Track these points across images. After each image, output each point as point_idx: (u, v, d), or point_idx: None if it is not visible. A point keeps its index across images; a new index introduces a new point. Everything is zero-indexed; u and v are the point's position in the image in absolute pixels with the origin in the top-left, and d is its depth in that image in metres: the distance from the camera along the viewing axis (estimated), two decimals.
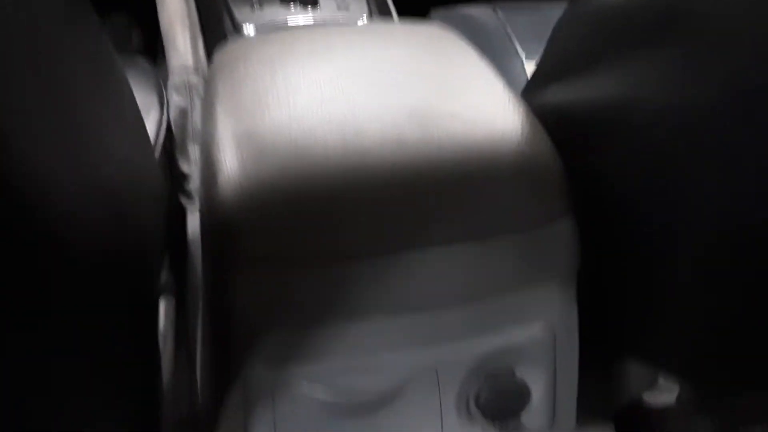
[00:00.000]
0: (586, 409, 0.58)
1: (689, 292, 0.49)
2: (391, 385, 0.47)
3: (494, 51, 0.81)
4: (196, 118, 0.76)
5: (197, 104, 0.77)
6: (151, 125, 0.73)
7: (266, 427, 0.47)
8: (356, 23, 0.89)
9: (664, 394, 0.64)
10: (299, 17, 0.88)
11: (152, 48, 1.00)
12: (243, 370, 0.46)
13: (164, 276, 0.75)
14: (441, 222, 0.43)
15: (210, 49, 0.82)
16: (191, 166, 0.75)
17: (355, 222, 0.43)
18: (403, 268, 0.43)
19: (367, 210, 0.43)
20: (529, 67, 0.86)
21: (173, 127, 0.77)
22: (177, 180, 0.78)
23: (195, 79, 0.77)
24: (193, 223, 0.77)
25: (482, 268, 0.45)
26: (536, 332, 0.49)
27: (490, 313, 0.47)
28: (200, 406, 0.52)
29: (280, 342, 0.45)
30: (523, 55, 0.87)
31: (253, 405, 0.47)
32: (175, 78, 0.77)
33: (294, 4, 0.89)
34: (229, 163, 0.46)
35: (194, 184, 0.75)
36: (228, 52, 0.61)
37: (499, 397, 0.49)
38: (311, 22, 0.88)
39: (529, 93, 0.61)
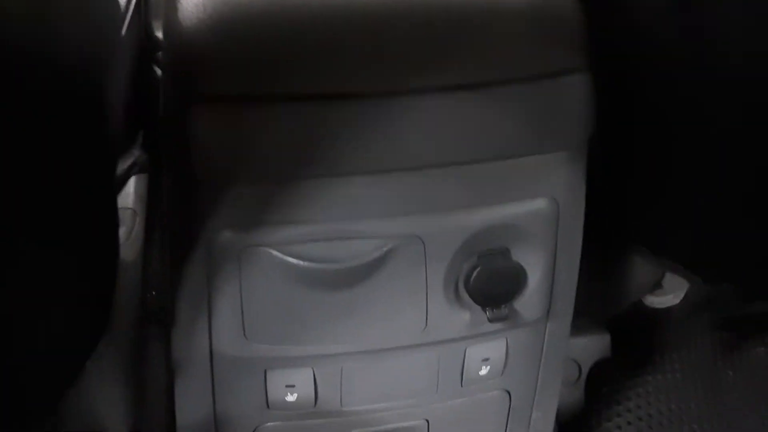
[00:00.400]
0: (583, 307, 0.54)
1: (709, 172, 0.43)
2: (371, 257, 0.41)
3: None
4: None
5: None
6: None
7: (231, 293, 0.42)
8: None
9: (669, 295, 0.60)
10: None
11: None
12: (206, 232, 0.40)
13: (138, 154, 0.69)
14: (437, 63, 0.37)
15: None
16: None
17: (332, 56, 0.36)
18: (389, 116, 0.37)
19: (348, 43, 0.36)
20: None
21: None
22: (151, 49, 0.70)
23: None
24: None
25: (482, 123, 0.39)
26: (538, 209, 0.44)
27: (487, 182, 0.42)
28: (163, 275, 0.47)
29: (245, 198, 0.39)
30: None
31: (217, 270, 0.41)
32: None
33: None
34: None
35: None
36: None
37: (491, 280, 0.44)
38: None
39: None
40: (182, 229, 0.41)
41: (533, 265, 0.45)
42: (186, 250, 0.41)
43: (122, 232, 0.60)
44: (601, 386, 0.71)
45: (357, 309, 0.43)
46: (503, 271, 0.44)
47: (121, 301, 0.51)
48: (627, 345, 0.72)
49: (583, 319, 0.65)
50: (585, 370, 0.72)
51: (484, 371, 0.49)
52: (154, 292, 0.59)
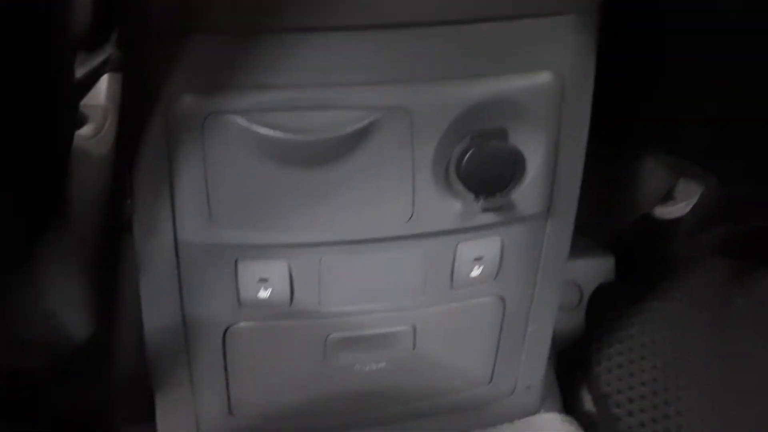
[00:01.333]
0: (585, 225, 0.49)
1: (728, 59, 0.39)
2: (350, 129, 0.37)
3: None
4: None
5: None
6: None
7: (194, 169, 0.38)
8: None
9: (680, 204, 0.55)
10: None
11: None
12: (164, 97, 0.36)
13: (112, 52, 0.64)
14: None
15: None
16: None
17: None
18: None
19: None
20: None
21: None
22: None
23: None
24: None
25: None
26: (541, 84, 0.39)
27: (482, 47, 0.37)
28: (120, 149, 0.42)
29: (208, 57, 0.35)
30: None
31: (178, 143, 0.37)
32: None
33: None
34: None
35: None
36: None
37: (485, 164, 0.40)
38: None
39: None
40: (138, 96, 0.37)
41: (533, 150, 0.41)
42: (143, 120, 0.37)
43: (90, 128, 0.56)
44: (602, 311, 0.67)
45: (335, 191, 0.39)
46: (499, 155, 0.40)
47: (85, 197, 0.47)
48: (631, 267, 0.68)
49: (585, 239, 0.60)
50: (586, 294, 0.68)
51: (476, 272, 0.45)
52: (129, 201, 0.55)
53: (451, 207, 0.41)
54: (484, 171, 0.40)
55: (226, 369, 0.47)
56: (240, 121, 0.36)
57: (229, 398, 0.48)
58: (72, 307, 0.45)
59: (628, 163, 0.54)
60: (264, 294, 0.43)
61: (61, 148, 0.42)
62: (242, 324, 0.44)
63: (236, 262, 0.41)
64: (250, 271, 0.42)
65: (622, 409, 0.63)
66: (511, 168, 0.40)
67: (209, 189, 0.38)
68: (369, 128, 0.37)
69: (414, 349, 0.48)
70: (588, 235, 0.59)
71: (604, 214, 0.61)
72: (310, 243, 0.41)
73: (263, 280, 0.42)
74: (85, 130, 0.53)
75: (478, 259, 0.44)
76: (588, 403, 0.64)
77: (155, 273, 0.42)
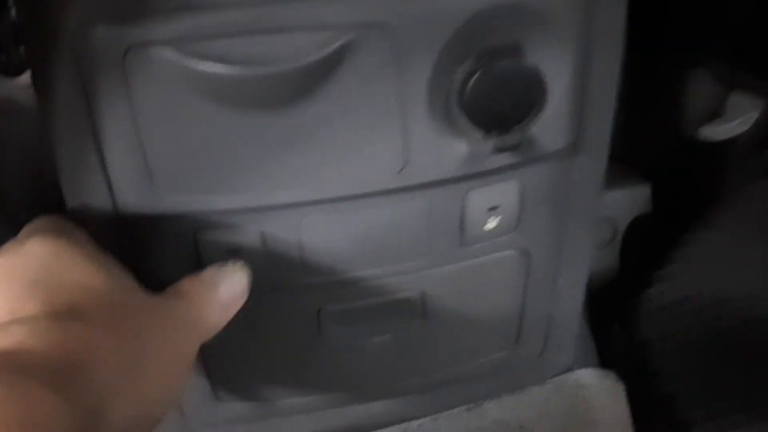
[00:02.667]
0: (619, 149, 0.41)
1: None
2: (314, 58, 0.28)
3: None
4: None
5: None
6: None
7: (122, 121, 0.30)
8: None
9: (733, 122, 0.46)
10: None
11: None
12: (74, 30, 0.28)
13: None
14: None
15: None
16: None
17: None
18: None
19: None
20: None
21: None
22: None
23: None
24: None
25: None
26: None
27: None
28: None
29: None
30: None
31: (97, 88, 0.29)
32: None
33: None
34: None
35: None
36: None
37: (496, 91, 0.31)
38: None
39: None
40: (40, 32, 0.28)
41: (556, 69, 0.32)
42: (50, 62, 0.29)
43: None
44: (639, 248, 0.59)
45: (307, 139, 0.31)
46: (512, 79, 0.31)
47: (13, 157, 0.39)
48: (672, 197, 0.59)
49: (618, 165, 0.52)
50: (620, 230, 0.60)
51: (491, 224, 0.37)
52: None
53: (454, 149, 0.33)
54: (494, 100, 0.31)
55: (202, 352, 0.40)
56: (169, 54, 0.27)
57: (212, 384, 0.42)
58: None
59: (670, 74, 0.45)
60: None
61: None
62: None
63: (195, 234, 0.34)
64: (213, 243, 0.34)
65: (666, 358, 0.55)
66: (529, 94, 0.32)
67: (144, 145, 0.30)
68: (340, 54, 0.29)
69: (424, 317, 0.40)
70: (621, 160, 0.51)
71: (641, 135, 0.52)
72: (284, 204, 0.33)
73: (232, 252, 0.35)
74: (23, 79, 0.45)
75: (492, 209, 0.36)
76: (626, 353, 0.57)
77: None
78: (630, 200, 0.59)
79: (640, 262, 0.60)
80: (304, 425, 0.47)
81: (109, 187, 0.32)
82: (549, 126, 0.34)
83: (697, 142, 0.52)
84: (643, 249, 0.60)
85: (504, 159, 0.34)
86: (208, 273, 0.33)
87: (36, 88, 0.30)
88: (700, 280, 0.58)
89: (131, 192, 0.32)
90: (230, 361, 0.41)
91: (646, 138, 0.54)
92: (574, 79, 0.33)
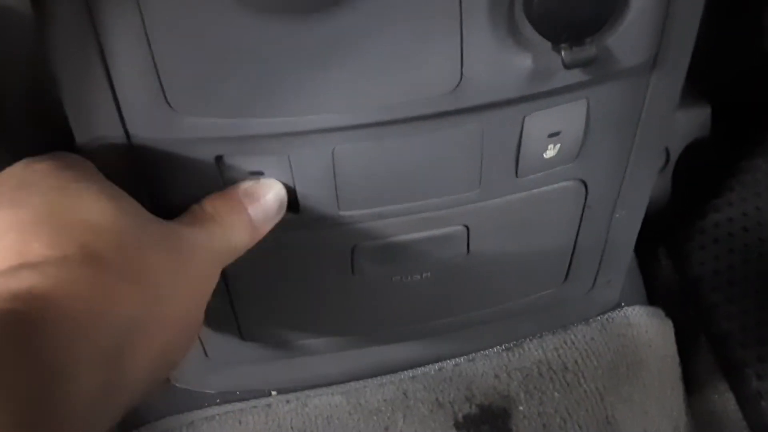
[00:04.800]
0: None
1: None
2: None
3: None
4: None
5: None
6: None
7: (131, 33, 0.25)
8: None
9: None
10: None
11: None
12: None
13: None
14: None
15: None
16: None
17: None
18: None
19: None
20: None
21: None
22: None
23: None
24: None
25: None
26: None
27: None
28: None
29: None
30: None
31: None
32: None
33: None
34: None
35: None
36: None
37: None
38: None
39: None
40: None
41: None
42: None
43: None
44: (695, 175, 0.54)
45: (345, 52, 0.26)
46: None
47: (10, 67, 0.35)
48: (733, 120, 0.54)
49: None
50: (675, 155, 0.55)
51: (551, 152, 0.32)
52: None
53: (517, 64, 0.28)
54: (568, 5, 0.26)
55: (228, 292, 0.36)
56: None
57: (238, 323, 0.39)
58: None
59: None
60: None
61: None
62: None
63: (217, 159, 0.30)
64: (236, 171, 0.30)
65: (720, 293, 0.52)
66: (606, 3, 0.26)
67: (157, 61, 0.26)
68: None
69: (468, 253, 0.36)
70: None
71: (708, 50, 0.46)
72: (316, 129, 0.29)
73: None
74: None
75: (553, 135, 0.32)
76: (677, 288, 0.53)
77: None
78: (687, 122, 0.53)
79: (694, 190, 0.55)
80: (332, 365, 0.44)
81: (120, 112, 0.27)
82: (628, 37, 0.28)
83: (766, 65, 0.46)
84: (698, 176, 0.56)
85: (572, 76, 0.29)
86: (238, 191, 0.30)
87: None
88: (759, 210, 0.54)
89: (144, 116, 0.27)
90: (256, 300, 0.37)
91: (713, 54, 0.48)
92: None
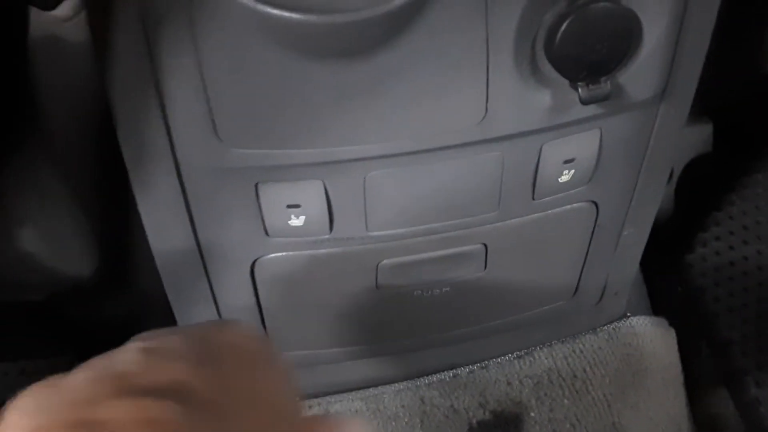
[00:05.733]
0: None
1: None
2: (397, 2, 0.25)
3: None
4: None
5: None
6: None
7: (187, 70, 0.27)
8: None
9: None
10: None
11: None
12: None
13: None
14: None
15: None
16: None
17: None
18: None
19: None
20: None
21: None
22: None
23: None
24: None
25: None
26: None
27: None
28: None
29: None
30: None
31: (160, 34, 0.26)
32: None
33: None
34: None
35: None
36: None
37: (588, 39, 0.28)
38: None
39: None
40: None
41: (653, 11, 0.29)
42: (111, 7, 0.26)
43: (68, 7, 0.45)
44: (697, 188, 0.56)
45: (380, 90, 0.28)
46: (608, 21, 0.28)
47: (57, 93, 0.37)
48: (734, 136, 0.56)
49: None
50: (678, 169, 0.57)
51: (565, 177, 0.35)
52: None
53: (537, 100, 0.30)
54: (585, 47, 0.28)
55: (259, 304, 0.39)
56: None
57: (266, 333, 0.41)
58: (57, 243, 0.37)
59: (753, 5, 0.41)
60: (296, 222, 0.33)
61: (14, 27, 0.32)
62: (272, 256, 0.36)
63: (257, 187, 0.32)
64: (274, 195, 0.32)
65: (721, 304, 0.54)
66: (624, 39, 0.29)
67: (209, 95, 0.28)
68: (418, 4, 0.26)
69: (485, 269, 0.39)
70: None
71: (709, 72, 0.49)
72: (350, 158, 0.31)
73: (293, 207, 0.33)
74: (61, 10, 0.42)
75: (568, 161, 0.34)
76: (680, 299, 0.56)
77: (156, 201, 0.33)
78: (689, 138, 0.56)
79: (697, 204, 0.58)
80: (353, 372, 0.46)
81: (169, 139, 0.30)
82: (640, 74, 0.31)
83: (765, 83, 0.48)
84: (700, 190, 0.58)
85: (587, 110, 0.31)
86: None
87: (92, 30, 0.27)
88: (759, 224, 0.56)
89: (192, 145, 0.30)
90: (285, 313, 0.39)
91: (714, 73, 0.50)
92: (670, 22, 0.30)
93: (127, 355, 0.21)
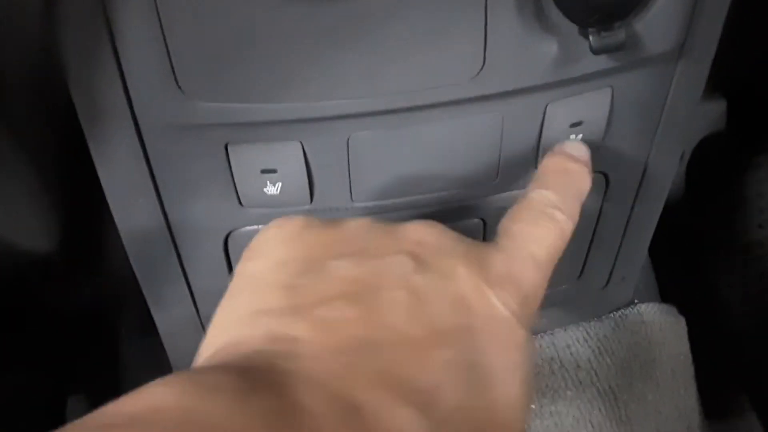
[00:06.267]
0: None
1: None
2: None
3: None
4: None
5: None
6: None
7: (139, 5, 0.24)
8: None
9: None
10: None
11: None
12: None
13: None
14: None
15: None
16: None
17: None
18: None
19: None
20: None
21: None
22: None
23: None
24: None
25: None
26: None
27: None
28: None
29: None
30: None
31: None
32: None
33: None
34: None
35: None
36: None
37: None
38: None
39: None
40: None
41: None
42: None
43: None
44: (709, 169, 0.53)
45: (363, 36, 0.25)
46: None
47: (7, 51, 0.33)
48: (749, 113, 0.53)
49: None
50: (689, 148, 0.54)
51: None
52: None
53: (541, 50, 0.27)
54: None
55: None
56: None
57: None
58: (10, 216, 0.33)
59: None
60: (272, 190, 0.30)
61: None
62: (248, 228, 0.32)
63: (226, 147, 0.28)
64: (246, 158, 0.29)
65: (734, 290, 0.51)
66: None
67: (168, 40, 0.24)
68: None
69: None
70: None
71: (724, 43, 0.45)
72: (331, 116, 0.27)
73: (268, 171, 0.29)
74: None
75: (576, 125, 0.31)
76: (690, 286, 0.53)
77: (116, 164, 0.30)
78: (702, 116, 0.53)
79: (708, 185, 0.54)
80: None
81: (128, 96, 0.26)
82: (658, 22, 0.27)
83: None
84: (713, 171, 0.55)
85: (598, 63, 0.28)
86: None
87: None
88: None
89: (152, 98, 0.26)
90: None
91: (729, 45, 0.47)
92: None
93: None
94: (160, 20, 0.24)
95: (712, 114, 0.53)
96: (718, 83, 0.52)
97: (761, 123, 0.54)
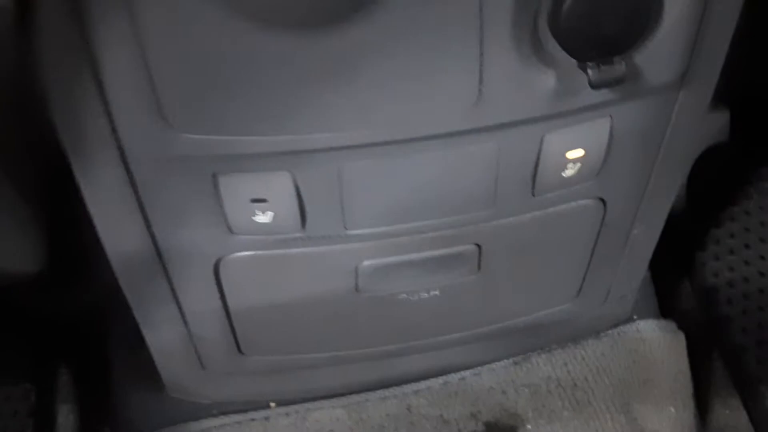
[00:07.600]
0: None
1: None
2: None
3: None
4: None
5: None
6: None
7: (122, 37, 0.23)
8: None
9: None
10: None
11: None
12: None
13: None
14: None
15: None
16: None
17: None
18: None
19: None
20: None
21: None
22: None
23: None
24: None
25: None
26: None
27: None
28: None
29: None
30: None
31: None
32: None
33: None
34: None
35: None
36: None
37: (599, 12, 0.24)
38: None
39: None
40: None
41: None
42: None
43: None
44: (711, 181, 0.52)
45: (356, 67, 0.24)
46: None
47: None
48: (753, 124, 0.52)
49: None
50: (691, 160, 0.53)
51: (570, 171, 0.31)
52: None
53: (539, 82, 0.26)
54: (596, 21, 0.24)
55: (225, 307, 0.35)
56: None
57: (235, 337, 0.37)
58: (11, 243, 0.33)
59: None
60: (263, 218, 0.29)
61: None
62: (238, 255, 0.32)
63: (215, 178, 0.28)
64: (235, 188, 0.28)
65: (734, 306, 0.50)
66: (641, 14, 0.24)
67: (152, 71, 0.24)
68: None
69: (479, 271, 0.35)
70: None
71: (729, 54, 0.44)
72: (321, 148, 0.27)
73: (258, 201, 0.29)
74: None
75: (573, 154, 0.30)
76: (690, 300, 0.52)
77: (103, 194, 0.29)
78: (705, 127, 0.52)
79: (710, 196, 0.54)
80: (334, 377, 0.43)
81: (113, 128, 0.25)
82: (659, 54, 0.26)
83: None
84: (715, 183, 0.54)
85: (597, 95, 0.27)
86: None
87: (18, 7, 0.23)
88: None
89: (137, 130, 0.25)
90: (255, 315, 0.36)
91: (732, 56, 0.46)
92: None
93: None
94: (143, 50, 0.23)
95: (715, 125, 0.52)
96: (721, 94, 0.51)
97: (765, 134, 0.54)
